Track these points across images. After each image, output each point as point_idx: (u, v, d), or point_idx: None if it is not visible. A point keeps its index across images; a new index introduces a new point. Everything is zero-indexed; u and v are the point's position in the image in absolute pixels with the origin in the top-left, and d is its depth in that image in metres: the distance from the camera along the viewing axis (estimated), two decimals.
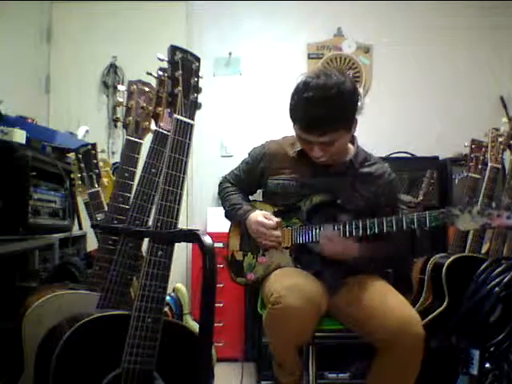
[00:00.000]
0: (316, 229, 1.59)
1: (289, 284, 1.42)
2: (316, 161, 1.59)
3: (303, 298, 1.37)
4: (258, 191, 1.90)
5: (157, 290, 1.11)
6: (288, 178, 1.68)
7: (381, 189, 1.65)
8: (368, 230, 1.49)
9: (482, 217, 1.32)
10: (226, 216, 1.85)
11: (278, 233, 1.65)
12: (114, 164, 2.38)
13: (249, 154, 1.84)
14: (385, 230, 1.46)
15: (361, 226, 1.51)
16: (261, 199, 1.83)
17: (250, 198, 1.90)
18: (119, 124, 1.51)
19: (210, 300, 1.06)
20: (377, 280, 1.63)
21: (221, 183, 1.91)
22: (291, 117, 1.55)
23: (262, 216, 1.67)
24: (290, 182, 1.68)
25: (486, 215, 1.31)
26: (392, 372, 1.41)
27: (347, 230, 1.53)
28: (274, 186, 1.71)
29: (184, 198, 1.16)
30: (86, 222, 2.38)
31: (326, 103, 1.43)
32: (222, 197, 1.87)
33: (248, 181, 1.83)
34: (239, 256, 1.77)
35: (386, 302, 1.46)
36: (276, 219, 1.66)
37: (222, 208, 1.88)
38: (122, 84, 3.26)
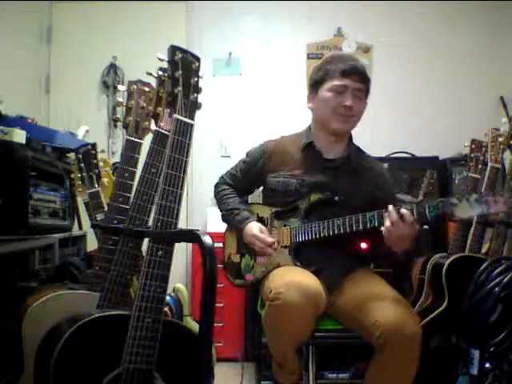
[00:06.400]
0: (315, 226, 1.59)
1: (288, 280, 1.42)
2: (346, 112, 1.62)
3: (302, 295, 1.37)
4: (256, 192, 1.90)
5: (157, 290, 1.11)
6: (288, 176, 1.69)
7: (376, 180, 1.69)
8: (368, 224, 1.48)
9: (479, 204, 1.31)
10: (223, 219, 1.84)
11: (271, 251, 1.64)
12: (113, 164, 2.37)
13: (247, 154, 1.84)
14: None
15: (360, 219, 1.49)
16: (258, 201, 1.83)
17: (249, 198, 1.89)
18: (119, 124, 1.51)
19: (210, 300, 1.06)
20: (374, 278, 1.64)
21: (217, 184, 1.89)
22: (322, 77, 1.65)
23: (258, 230, 1.66)
24: (290, 179, 1.68)
25: (484, 202, 1.31)
26: (389, 370, 1.41)
27: (347, 223, 1.51)
28: (274, 183, 1.71)
29: (184, 197, 1.16)
30: (86, 222, 2.38)
31: (357, 61, 1.69)
32: (219, 199, 1.84)
33: (246, 180, 1.83)
34: (236, 258, 1.77)
35: (383, 299, 1.46)
36: (272, 239, 1.64)
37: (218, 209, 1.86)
38: (122, 84, 3.25)
